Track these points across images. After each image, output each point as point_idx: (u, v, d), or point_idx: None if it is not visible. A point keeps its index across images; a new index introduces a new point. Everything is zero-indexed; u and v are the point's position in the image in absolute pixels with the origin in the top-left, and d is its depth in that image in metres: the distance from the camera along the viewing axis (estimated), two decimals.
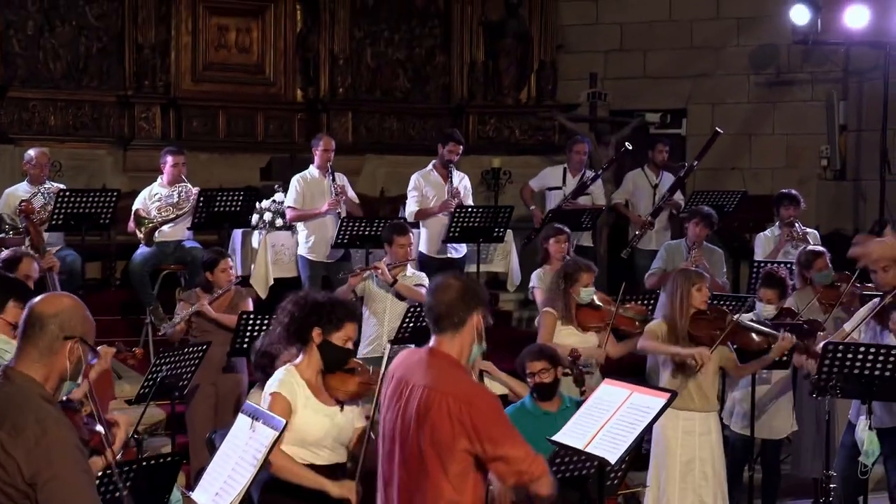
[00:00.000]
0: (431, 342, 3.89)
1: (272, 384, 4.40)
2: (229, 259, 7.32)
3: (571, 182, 10.10)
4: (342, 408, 4.48)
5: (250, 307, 7.25)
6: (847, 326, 6.14)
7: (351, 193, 9.36)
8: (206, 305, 7.08)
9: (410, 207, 9.32)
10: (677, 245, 8.62)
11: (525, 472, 3.68)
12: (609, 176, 11.46)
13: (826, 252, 7.32)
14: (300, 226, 9.17)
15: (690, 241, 8.46)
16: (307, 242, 9.07)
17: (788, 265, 8.13)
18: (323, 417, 4.42)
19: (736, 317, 6.16)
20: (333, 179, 9.08)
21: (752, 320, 6.52)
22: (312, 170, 9.27)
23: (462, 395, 3.71)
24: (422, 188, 9.34)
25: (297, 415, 4.36)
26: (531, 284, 7.91)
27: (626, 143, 10.60)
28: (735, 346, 6.30)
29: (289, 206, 9.16)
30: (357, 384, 4.48)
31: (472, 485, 3.73)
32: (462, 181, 9.46)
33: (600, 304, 6.82)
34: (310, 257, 9.05)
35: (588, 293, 6.74)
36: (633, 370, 7.79)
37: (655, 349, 6.12)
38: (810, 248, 7.51)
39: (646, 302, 7.24)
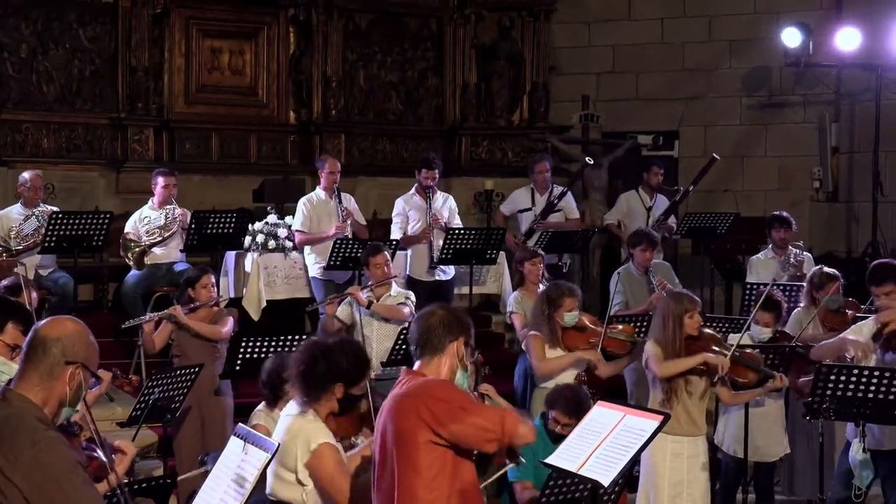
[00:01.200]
0: (414, 366, 4.02)
1: (314, 435, 4.30)
2: (211, 276, 7.32)
3: (540, 201, 10.13)
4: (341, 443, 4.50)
5: (229, 326, 7.24)
6: (851, 337, 6.09)
7: (358, 216, 9.40)
8: (178, 309, 7.08)
9: (394, 233, 9.37)
10: (627, 271, 8.54)
11: (502, 433, 3.76)
12: (601, 197, 11.51)
13: (841, 278, 7.30)
14: (307, 248, 9.22)
15: (641, 266, 8.39)
16: (317, 264, 9.09)
17: (781, 286, 8.15)
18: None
19: (733, 349, 6.17)
20: (340, 201, 9.12)
21: (748, 343, 6.54)
22: (319, 192, 9.31)
23: (417, 390, 3.84)
24: (405, 212, 9.40)
25: None
26: (508, 309, 7.92)
27: (587, 158, 10.65)
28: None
29: (297, 230, 9.21)
30: (357, 421, 4.53)
31: (447, 481, 3.78)
32: (446, 202, 9.50)
33: (586, 325, 6.84)
34: (322, 278, 9.08)
35: (572, 317, 6.77)
36: (616, 391, 7.82)
37: (676, 367, 6.02)
38: (826, 270, 7.49)
39: (637, 324, 7.25)
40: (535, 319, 6.90)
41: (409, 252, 9.32)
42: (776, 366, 6.55)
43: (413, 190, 9.50)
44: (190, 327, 7.07)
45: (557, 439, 5.63)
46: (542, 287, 7.62)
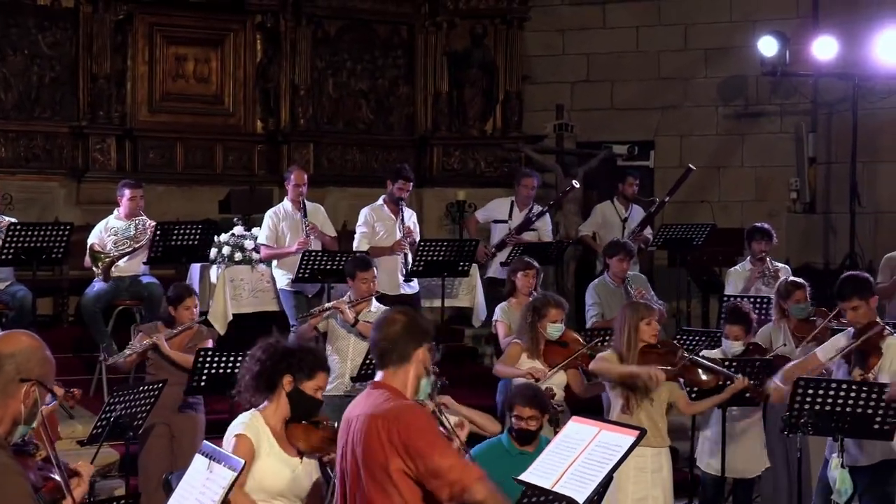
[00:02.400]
0: (377, 377, 3.94)
1: (237, 426, 4.36)
2: (195, 297, 7.27)
3: (518, 216, 10.15)
4: (302, 459, 4.46)
5: (209, 346, 7.19)
6: (820, 354, 6.14)
7: (327, 227, 9.37)
8: (162, 340, 7.03)
9: (359, 244, 9.32)
10: (602, 282, 8.58)
11: (456, 483, 3.67)
12: (576, 208, 11.53)
13: (807, 285, 7.35)
14: (276, 262, 9.19)
15: (617, 277, 8.43)
16: (286, 276, 9.07)
17: (758, 300, 8.19)
18: (284, 468, 4.39)
19: (686, 353, 6.21)
20: (305, 215, 9.08)
21: (719, 357, 6.56)
22: (286, 203, 9.30)
23: (389, 414, 3.75)
24: (372, 223, 9.37)
25: (259, 461, 4.33)
26: (494, 317, 7.93)
27: (574, 182, 10.68)
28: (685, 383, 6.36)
29: (262, 244, 9.17)
30: (320, 438, 4.46)
31: None
32: (411, 217, 9.49)
33: (570, 341, 6.85)
34: (292, 290, 9.05)
35: (556, 329, 6.78)
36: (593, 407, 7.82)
37: (609, 370, 6.16)
38: (791, 278, 7.55)
39: (598, 340, 7.26)
40: (519, 329, 6.94)
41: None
42: (753, 379, 6.56)
43: (381, 200, 9.48)
44: (172, 359, 7.02)
45: (525, 439, 5.67)
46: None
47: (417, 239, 9.41)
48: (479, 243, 9.75)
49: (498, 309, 7.95)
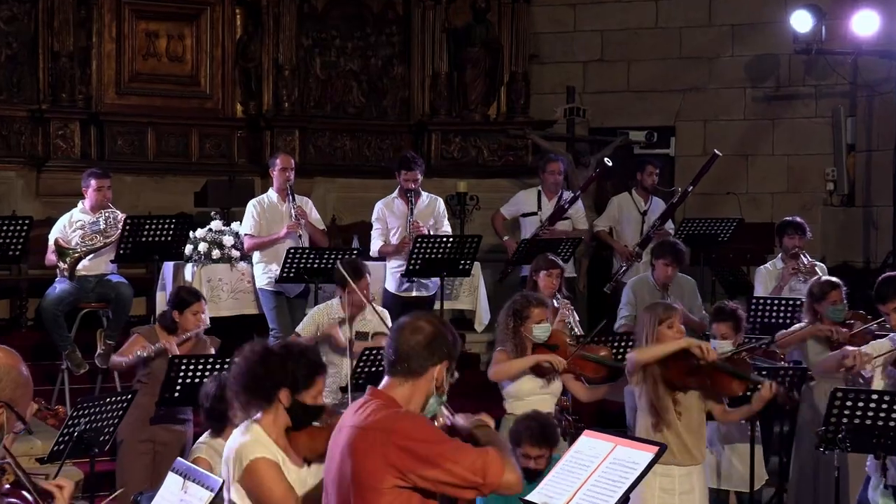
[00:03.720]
0: (381, 383, 3.88)
1: (249, 446, 4.27)
2: (203, 303, 7.21)
3: (548, 206, 10.17)
4: (309, 465, 4.44)
5: None
6: (868, 349, 6.12)
7: (315, 217, 9.37)
8: (174, 346, 6.96)
9: (374, 241, 9.44)
10: (643, 281, 8.57)
11: (483, 482, 3.64)
12: (589, 202, 11.51)
13: (842, 285, 7.35)
14: (256, 255, 9.18)
15: (660, 282, 8.44)
16: (266, 273, 9.06)
17: (793, 301, 8.18)
18: (296, 479, 4.37)
19: (734, 350, 6.19)
20: (293, 201, 9.10)
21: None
22: (271, 193, 9.30)
23: (381, 424, 3.70)
24: (385, 219, 9.39)
25: None
26: None
27: (606, 159, 10.68)
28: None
29: (246, 234, 9.19)
30: (325, 440, 4.45)
31: None
32: (434, 204, 9.53)
33: (560, 342, 6.80)
34: (271, 290, 9.03)
35: (543, 330, 6.70)
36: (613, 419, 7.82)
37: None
38: (826, 277, 7.55)
39: (618, 345, 7.24)
40: (501, 336, 6.85)
41: (387, 264, 9.35)
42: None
43: (395, 193, 9.51)
44: None
45: (532, 476, 5.59)
46: (555, 302, 7.62)
47: (444, 230, 9.41)
48: (509, 241, 9.75)
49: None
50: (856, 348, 6.16)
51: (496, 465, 3.67)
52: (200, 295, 7.35)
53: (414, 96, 12.74)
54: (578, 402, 6.98)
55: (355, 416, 3.83)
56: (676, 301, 8.01)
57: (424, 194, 9.59)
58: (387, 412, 3.76)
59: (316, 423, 4.42)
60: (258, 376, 4.28)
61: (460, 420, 3.98)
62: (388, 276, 9.36)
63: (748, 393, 6.38)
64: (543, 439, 5.73)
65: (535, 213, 10.20)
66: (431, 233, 9.35)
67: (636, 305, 8.30)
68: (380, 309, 7.70)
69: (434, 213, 9.51)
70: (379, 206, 9.55)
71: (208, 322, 7.21)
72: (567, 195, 10.19)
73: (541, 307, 6.73)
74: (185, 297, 7.17)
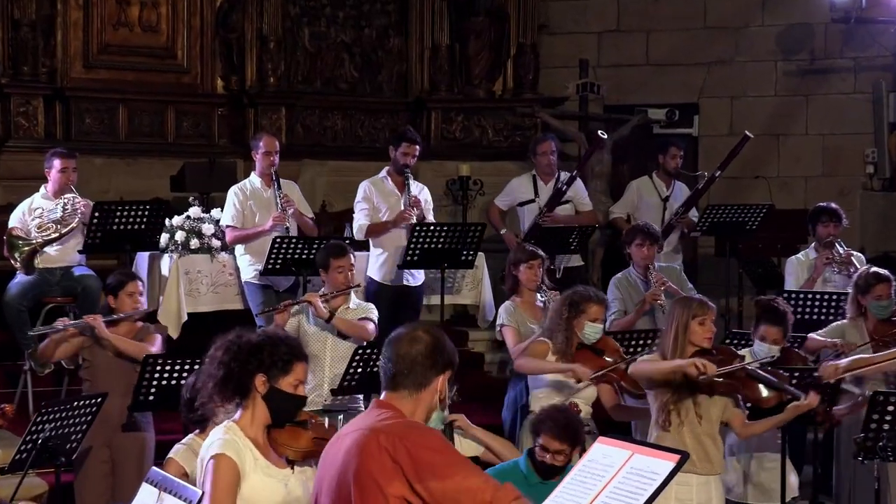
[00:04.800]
0: (382, 395, 3.98)
1: (212, 445, 4.34)
2: (138, 283, 7.28)
3: (545, 191, 10.16)
4: (293, 468, 4.47)
5: (157, 347, 7.18)
6: None
7: (304, 208, 9.36)
8: (99, 319, 7.01)
9: (359, 221, 9.32)
10: (624, 276, 8.56)
11: (490, 502, 3.71)
12: (604, 186, 11.50)
13: (893, 279, 7.33)
14: (240, 248, 9.17)
15: (640, 267, 8.43)
16: (252, 265, 9.05)
17: (825, 296, 8.17)
18: (276, 483, 4.41)
19: (748, 362, 6.18)
20: (279, 187, 9.07)
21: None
22: (253, 178, 9.27)
23: (394, 429, 3.80)
24: (372, 199, 9.34)
25: (246, 481, 4.33)
26: (499, 321, 7.88)
27: (600, 132, 10.67)
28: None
29: (227, 226, 9.16)
30: (311, 440, 4.47)
31: None
32: (422, 193, 9.46)
33: (606, 349, 6.84)
34: (259, 283, 9.04)
35: (594, 331, 6.79)
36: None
37: (648, 370, 6.11)
38: (874, 269, 7.52)
39: (635, 342, 7.26)
40: (551, 323, 6.93)
41: (373, 250, 9.31)
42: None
43: (384, 173, 9.46)
44: (111, 342, 7.00)
45: (548, 473, 5.69)
46: (539, 296, 7.68)
47: (430, 219, 9.39)
48: (508, 235, 9.74)
49: (502, 311, 7.89)
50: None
51: (510, 491, 3.77)
52: (135, 275, 7.41)
53: (412, 70, 12.73)
54: (602, 412, 6.97)
55: (363, 420, 3.94)
56: (663, 284, 8.06)
57: (414, 180, 9.55)
58: (400, 419, 3.88)
59: (300, 426, 4.45)
60: (230, 368, 4.32)
61: (477, 435, 4.07)
62: (372, 263, 9.32)
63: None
64: (566, 434, 5.75)
65: (532, 201, 10.17)
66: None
67: (623, 300, 8.33)
68: (365, 304, 7.74)
69: (424, 199, 9.47)
70: (365, 185, 9.44)
71: (146, 304, 7.26)
72: (564, 176, 10.17)
73: (600, 305, 6.87)
74: (118, 279, 7.22)
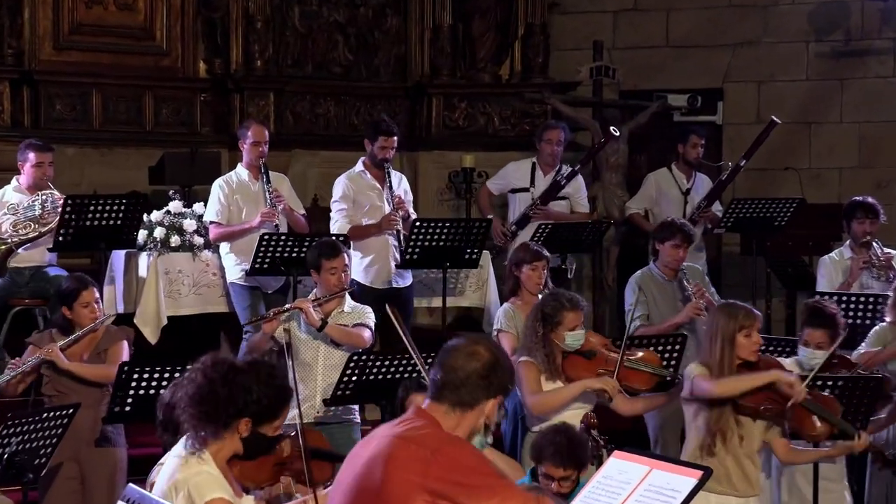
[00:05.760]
0: (424, 403, 4.00)
1: (203, 489, 4.28)
2: (94, 290, 7.25)
3: (542, 182, 10.15)
4: (248, 494, 4.48)
5: (125, 354, 7.18)
6: None
7: (294, 202, 9.36)
8: (56, 351, 7.00)
9: (338, 223, 9.30)
10: (648, 274, 8.55)
11: None
12: (619, 178, 11.49)
13: None
14: (225, 246, 9.17)
15: (669, 268, 8.40)
16: (239, 264, 9.05)
17: (862, 299, 8.16)
18: None
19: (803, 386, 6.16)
20: (268, 181, 9.07)
21: (797, 372, 6.55)
22: (240, 170, 9.27)
23: (427, 441, 3.81)
24: (352, 196, 9.33)
25: None
26: (496, 326, 7.86)
27: (612, 129, 10.67)
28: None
29: (211, 222, 9.16)
30: (271, 470, 4.50)
31: None
32: (401, 184, 9.47)
33: (596, 349, 6.82)
34: (246, 285, 9.03)
35: (576, 338, 6.76)
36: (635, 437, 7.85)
37: (741, 383, 6.06)
38: None
39: (662, 347, 7.24)
40: (527, 342, 6.89)
41: (354, 252, 9.29)
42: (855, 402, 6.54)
43: (360, 165, 9.46)
44: (72, 372, 7.00)
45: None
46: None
47: (411, 212, 9.38)
48: (494, 221, 9.72)
49: (500, 314, 7.88)
50: None
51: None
52: (89, 282, 7.36)
53: (411, 53, 12.74)
54: (614, 417, 6.96)
55: (395, 427, 3.95)
56: (701, 294, 8.05)
57: (392, 170, 9.54)
58: (434, 430, 3.89)
59: (267, 455, 4.48)
60: (219, 400, 4.30)
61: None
62: (356, 265, 9.30)
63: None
64: (570, 458, 5.74)
65: (526, 190, 10.18)
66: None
67: (646, 303, 8.30)
68: (361, 306, 7.73)
69: (402, 191, 9.45)
70: (342, 181, 9.43)
71: (104, 311, 7.27)
72: (566, 170, 10.16)
73: (575, 311, 6.79)
74: (71, 288, 7.20)
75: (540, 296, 7.62)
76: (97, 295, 7.26)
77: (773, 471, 6.93)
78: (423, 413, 3.96)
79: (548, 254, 7.98)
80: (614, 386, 6.65)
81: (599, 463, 6.05)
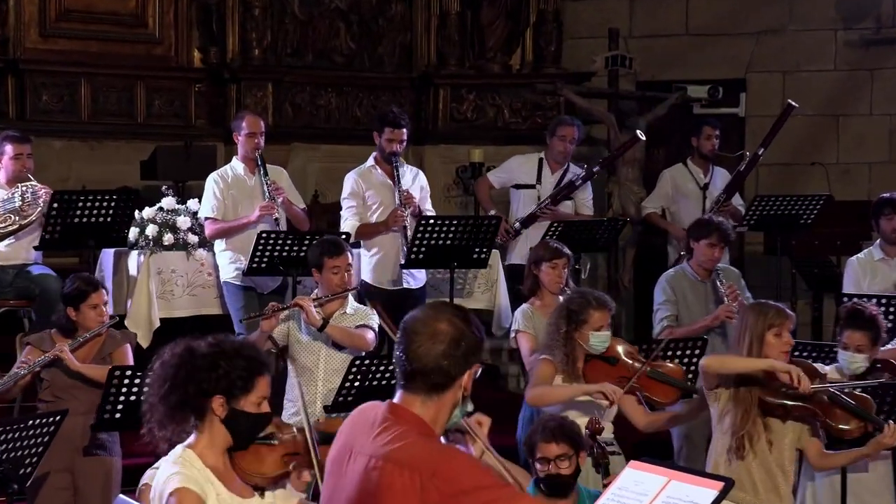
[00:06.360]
0: (396, 397, 3.89)
1: (171, 478, 4.30)
2: (103, 291, 7.25)
3: (549, 180, 10.13)
4: (263, 494, 4.45)
5: (129, 359, 7.19)
6: None
7: (294, 198, 9.34)
8: (66, 352, 7.01)
9: (349, 222, 9.31)
10: (680, 273, 8.53)
11: None
12: (636, 174, 11.48)
13: None
14: (221, 242, 9.17)
15: (704, 267, 8.38)
16: (234, 263, 9.05)
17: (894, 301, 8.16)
18: None
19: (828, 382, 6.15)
20: (265, 174, 9.07)
21: (837, 378, 6.53)
22: (236, 164, 9.27)
23: (422, 465, 3.71)
24: (361, 193, 9.32)
25: None
26: (514, 327, 7.87)
27: (639, 132, 10.63)
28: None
29: (207, 218, 9.15)
30: (279, 460, 4.44)
31: None
32: (416, 179, 9.46)
33: (619, 355, 6.82)
34: (240, 284, 9.04)
35: (601, 339, 6.75)
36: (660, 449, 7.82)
37: (724, 364, 6.11)
38: None
39: (689, 358, 7.24)
40: (548, 340, 6.89)
41: (364, 251, 9.30)
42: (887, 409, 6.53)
43: (371, 160, 9.45)
44: (83, 374, 7.01)
45: (558, 488, 5.72)
46: (562, 299, 7.59)
47: (428, 209, 9.38)
48: (501, 219, 9.72)
49: (518, 314, 7.89)
50: None
51: None
52: (98, 283, 7.36)
53: (417, 41, 12.76)
54: (628, 427, 6.95)
55: (374, 439, 3.84)
56: (735, 296, 8.03)
57: (406, 165, 9.54)
58: (420, 439, 3.79)
59: (267, 442, 4.42)
60: (181, 389, 4.28)
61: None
62: (365, 263, 9.31)
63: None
64: (562, 434, 5.75)
65: (532, 186, 10.15)
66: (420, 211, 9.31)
67: (677, 303, 8.29)
68: (364, 308, 7.73)
69: (417, 188, 9.45)
70: (352, 177, 9.41)
71: (108, 316, 7.24)
72: (575, 170, 10.14)
73: (602, 310, 6.77)
74: (81, 288, 7.18)
75: (561, 297, 7.62)
76: (105, 297, 7.27)
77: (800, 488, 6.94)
78: (400, 411, 3.84)
79: (569, 252, 7.97)
80: (614, 391, 6.56)
81: (605, 471, 6.06)
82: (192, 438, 4.35)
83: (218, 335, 4.54)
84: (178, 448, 4.36)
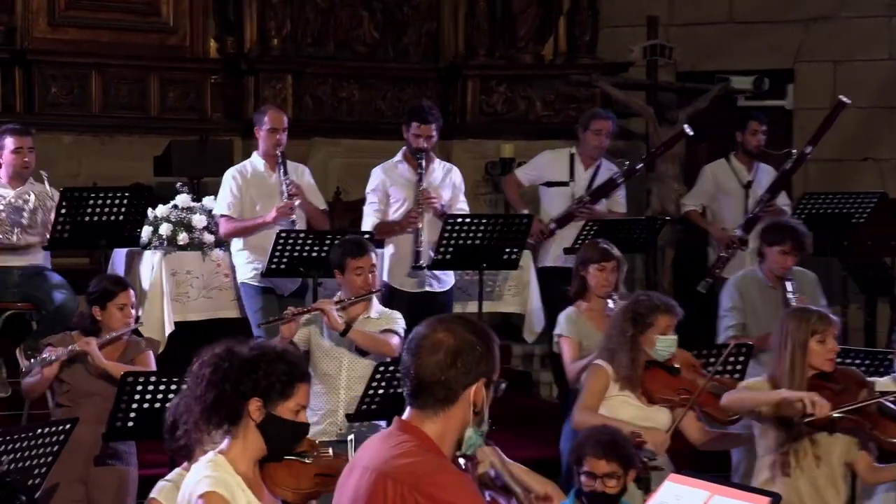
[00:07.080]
0: (405, 413, 3.92)
1: (200, 483, 4.34)
2: (131, 291, 7.30)
3: (582, 177, 10.13)
4: None
5: (152, 366, 7.22)
6: None
7: (314, 196, 9.37)
8: (93, 346, 7.04)
9: (369, 219, 9.34)
10: (751, 277, 8.51)
11: None
12: (676, 170, 11.47)
13: None
14: (238, 242, 9.20)
15: (777, 273, 8.36)
16: (252, 263, 9.08)
17: None
18: None
19: (878, 393, 6.13)
20: (285, 173, 9.09)
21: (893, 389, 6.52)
22: (255, 160, 9.29)
23: (407, 477, 3.74)
24: (385, 188, 9.34)
25: None
26: (557, 331, 7.88)
27: (686, 126, 10.61)
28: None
29: (222, 215, 9.18)
30: (313, 479, 4.46)
31: None
32: (449, 175, 9.47)
33: (681, 367, 6.80)
34: (259, 285, 9.07)
35: (667, 345, 6.71)
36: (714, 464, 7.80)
37: (742, 400, 6.12)
38: None
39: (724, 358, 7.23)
40: (610, 343, 6.85)
41: (387, 250, 9.31)
42: None
43: (399, 155, 9.47)
44: (108, 370, 7.05)
45: None
46: (611, 304, 7.61)
47: (459, 207, 9.39)
48: (533, 218, 9.73)
49: (562, 318, 7.89)
50: None
51: None
52: (126, 283, 7.43)
53: (444, 31, 12.78)
54: (686, 444, 6.93)
55: (379, 454, 3.88)
56: (800, 299, 8.00)
57: (438, 161, 9.54)
58: (417, 459, 3.80)
59: (301, 459, 4.44)
60: (219, 389, 4.31)
61: (514, 472, 4.01)
62: (387, 264, 9.32)
63: None
64: (613, 451, 5.74)
65: (565, 184, 10.14)
66: (446, 209, 9.31)
67: (744, 311, 8.25)
68: (389, 311, 7.74)
69: (449, 186, 9.46)
70: (377, 172, 9.46)
71: (134, 319, 7.29)
72: (608, 165, 10.16)
73: (670, 315, 6.75)
74: (108, 288, 7.23)
75: (609, 301, 7.61)
76: (133, 298, 7.31)
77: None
78: (406, 426, 3.88)
79: (618, 254, 7.95)
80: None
81: (646, 487, 6.06)
82: (224, 444, 4.37)
83: (262, 342, 4.61)
84: (210, 453, 4.38)
